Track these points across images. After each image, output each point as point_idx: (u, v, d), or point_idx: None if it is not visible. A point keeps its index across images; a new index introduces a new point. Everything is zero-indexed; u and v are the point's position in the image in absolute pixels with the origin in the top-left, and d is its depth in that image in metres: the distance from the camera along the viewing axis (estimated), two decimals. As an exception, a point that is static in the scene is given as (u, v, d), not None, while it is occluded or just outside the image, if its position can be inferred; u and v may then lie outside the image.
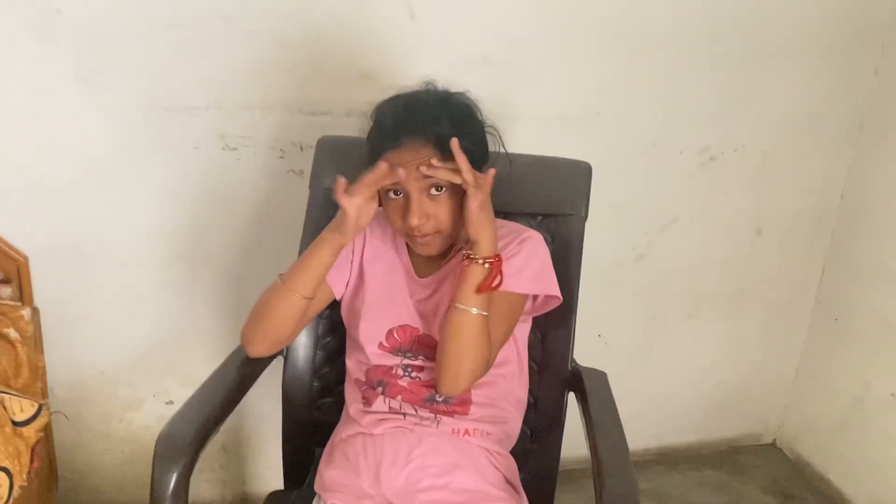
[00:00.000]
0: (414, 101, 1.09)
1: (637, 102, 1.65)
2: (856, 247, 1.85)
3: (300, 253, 1.29)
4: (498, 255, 1.03)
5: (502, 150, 1.15)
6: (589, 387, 1.19)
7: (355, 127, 1.43)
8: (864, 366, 1.82)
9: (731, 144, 1.75)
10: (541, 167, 1.31)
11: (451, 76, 1.26)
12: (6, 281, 1.36)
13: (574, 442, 1.30)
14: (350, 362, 1.17)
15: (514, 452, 1.18)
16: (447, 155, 1.00)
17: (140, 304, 1.53)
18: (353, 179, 1.28)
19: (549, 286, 1.13)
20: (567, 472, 1.59)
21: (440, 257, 1.14)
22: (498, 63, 1.53)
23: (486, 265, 1.02)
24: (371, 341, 1.12)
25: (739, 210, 1.83)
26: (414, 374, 1.10)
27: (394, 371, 1.11)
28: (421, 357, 1.11)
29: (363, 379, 1.13)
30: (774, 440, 2.14)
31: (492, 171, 0.99)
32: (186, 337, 1.57)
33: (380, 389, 1.11)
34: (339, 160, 1.33)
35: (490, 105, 1.32)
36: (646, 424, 2.00)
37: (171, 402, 1.61)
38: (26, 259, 1.40)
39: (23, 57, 1.30)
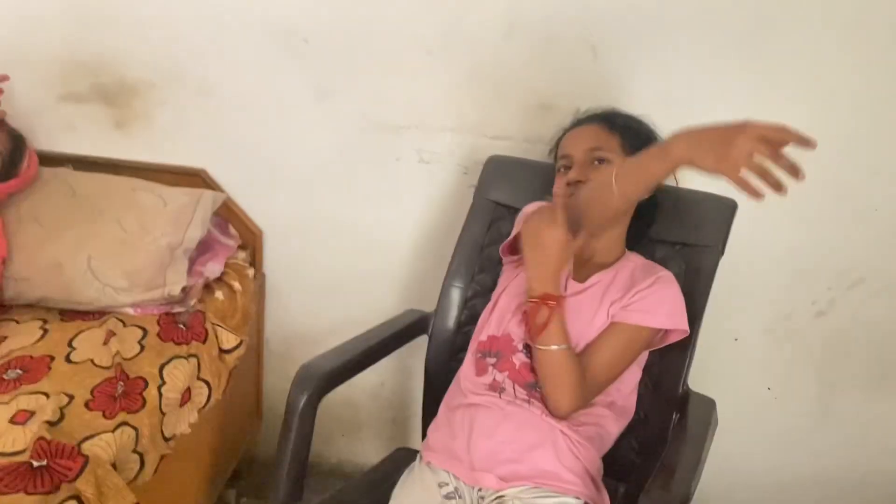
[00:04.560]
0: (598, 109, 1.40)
1: (821, 148, 1.60)
2: None
3: (456, 255, 1.50)
4: (549, 295, 1.12)
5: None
6: (692, 411, 1.22)
7: (533, 151, 1.63)
8: None
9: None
10: (687, 199, 1.37)
11: (629, 110, 1.41)
12: (243, 247, 1.74)
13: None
14: (480, 325, 1.32)
15: (619, 463, 1.26)
16: (612, 133, 1.27)
17: (343, 283, 1.83)
18: (517, 194, 1.49)
19: (680, 321, 1.23)
20: None
21: (591, 267, 1.28)
22: (676, 102, 1.59)
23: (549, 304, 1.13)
24: (516, 297, 1.26)
25: (950, 279, 1.67)
26: (528, 356, 1.22)
27: (514, 343, 1.24)
28: None
29: (484, 341, 1.27)
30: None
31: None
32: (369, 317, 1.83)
33: (493, 361, 1.24)
34: (504, 176, 1.52)
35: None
36: (818, 497, 1.88)
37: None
38: (261, 233, 1.77)
39: (276, 75, 1.67)
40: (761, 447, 1.85)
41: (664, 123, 1.42)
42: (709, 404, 1.25)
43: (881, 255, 1.66)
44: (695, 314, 1.29)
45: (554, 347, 1.13)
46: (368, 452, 1.98)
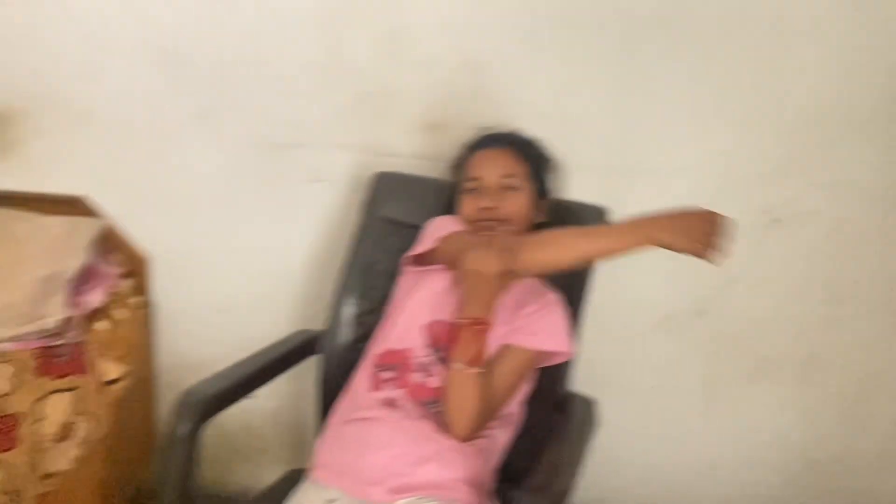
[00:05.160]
0: (500, 130, 1.44)
1: (694, 158, 1.70)
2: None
3: (347, 271, 1.51)
4: (481, 320, 1.16)
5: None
6: (573, 412, 1.27)
7: (422, 167, 1.66)
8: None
9: (800, 208, 1.73)
10: (563, 209, 1.43)
11: (513, 127, 1.46)
12: (129, 275, 1.69)
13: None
14: (376, 339, 1.33)
15: (510, 469, 1.29)
16: (523, 161, 1.33)
17: (237, 307, 1.80)
18: (407, 209, 1.51)
19: (565, 344, 1.27)
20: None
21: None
22: (556, 118, 1.66)
23: (479, 327, 1.16)
24: (424, 314, 1.28)
25: (811, 276, 1.79)
26: (427, 375, 1.24)
27: (412, 360, 1.25)
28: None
29: (381, 354, 1.28)
30: (860, 527, 1.99)
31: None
32: (266, 341, 1.81)
33: (390, 375, 1.26)
34: (393, 192, 1.54)
35: (548, 154, 1.50)
36: (710, 485, 1.96)
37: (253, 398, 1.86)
38: (147, 259, 1.73)
39: (157, 97, 1.65)
40: (650, 443, 1.92)
41: (544, 135, 1.50)
42: (589, 405, 1.29)
43: (752, 253, 1.77)
44: (575, 320, 1.34)
45: (471, 370, 1.16)
46: (272, 478, 1.94)
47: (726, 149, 1.69)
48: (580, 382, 1.70)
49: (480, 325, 1.16)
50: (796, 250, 1.77)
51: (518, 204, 1.30)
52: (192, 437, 1.13)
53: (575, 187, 1.60)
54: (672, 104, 1.67)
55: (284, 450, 1.94)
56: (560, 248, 1.16)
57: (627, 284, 1.77)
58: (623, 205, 1.60)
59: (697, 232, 1.09)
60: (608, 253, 1.17)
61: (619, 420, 1.86)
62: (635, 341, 1.83)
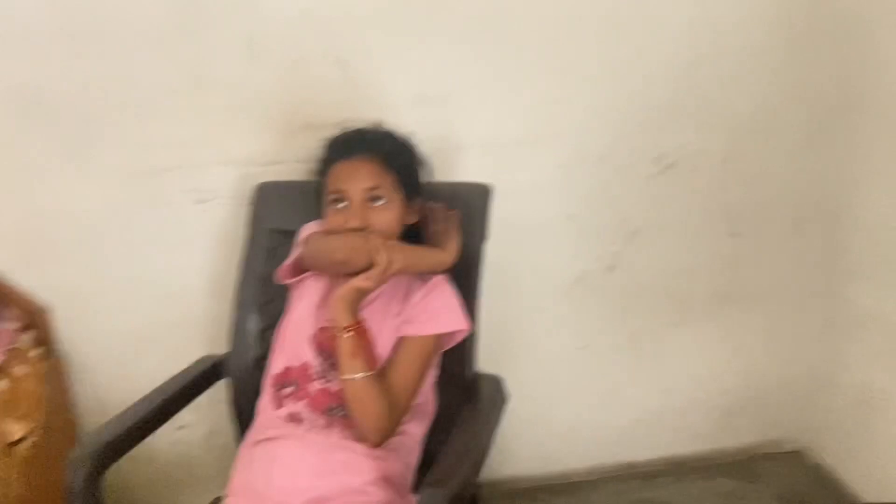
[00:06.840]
0: (363, 129, 1.35)
1: (576, 120, 1.70)
2: (849, 243, 1.79)
3: (238, 289, 1.49)
4: (356, 322, 1.17)
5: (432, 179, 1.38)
6: (480, 392, 1.27)
7: (306, 171, 1.63)
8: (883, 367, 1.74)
9: (688, 151, 1.76)
10: (443, 191, 1.41)
11: (390, 117, 1.44)
12: (27, 328, 1.64)
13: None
14: (272, 357, 1.32)
15: (428, 459, 1.29)
16: (388, 170, 1.25)
17: (150, 342, 1.76)
18: (292, 217, 1.49)
19: (461, 321, 1.26)
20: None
21: None
22: (432, 100, 1.65)
23: (348, 335, 1.16)
24: (305, 325, 1.27)
25: (709, 215, 1.82)
26: (326, 381, 1.23)
27: (310, 371, 1.24)
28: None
29: (279, 373, 1.27)
30: (797, 448, 2.05)
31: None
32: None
33: (290, 390, 1.25)
34: (276, 202, 1.52)
35: (430, 138, 1.49)
36: (650, 434, 2.00)
37: (182, 427, 1.83)
38: (48, 309, 1.68)
39: (21, 142, 1.58)
40: (586, 404, 1.96)
41: (422, 120, 1.49)
42: (496, 383, 1.29)
43: (650, 204, 1.79)
44: (471, 300, 1.33)
45: (359, 376, 1.15)
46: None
47: (612, 102, 1.70)
48: (500, 356, 1.70)
49: (355, 330, 1.15)
50: (693, 192, 1.80)
51: (387, 217, 1.24)
52: (91, 488, 1.10)
53: (463, 167, 1.60)
54: (550, 65, 1.66)
55: (222, 475, 1.91)
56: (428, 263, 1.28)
57: (533, 252, 1.79)
58: (518, 175, 1.61)
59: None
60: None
61: (549, 387, 1.90)
62: (552, 307, 1.85)
